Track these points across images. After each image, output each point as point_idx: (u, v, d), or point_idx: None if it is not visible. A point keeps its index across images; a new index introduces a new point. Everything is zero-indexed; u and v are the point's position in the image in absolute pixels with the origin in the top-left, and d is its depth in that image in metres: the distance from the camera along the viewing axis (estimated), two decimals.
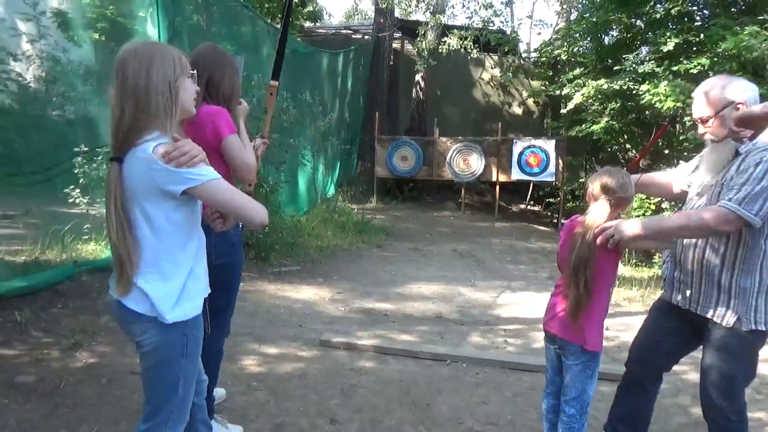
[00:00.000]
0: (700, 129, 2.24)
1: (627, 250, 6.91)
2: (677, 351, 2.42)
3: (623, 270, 6.63)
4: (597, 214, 2.18)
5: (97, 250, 4.40)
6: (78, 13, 4.69)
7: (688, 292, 2.27)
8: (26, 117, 4.68)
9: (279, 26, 3.05)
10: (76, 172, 4.04)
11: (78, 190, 4.05)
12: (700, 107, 2.21)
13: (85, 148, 4.09)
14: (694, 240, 2.22)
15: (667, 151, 7.77)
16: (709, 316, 2.20)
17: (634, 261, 6.87)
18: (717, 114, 2.15)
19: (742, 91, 2.15)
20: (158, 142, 1.60)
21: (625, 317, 4.88)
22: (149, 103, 1.62)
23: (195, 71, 1.79)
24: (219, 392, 2.91)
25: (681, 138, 7.39)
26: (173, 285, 1.70)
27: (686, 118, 6.54)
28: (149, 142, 1.60)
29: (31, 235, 4.25)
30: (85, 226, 4.25)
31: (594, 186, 2.24)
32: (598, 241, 2.12)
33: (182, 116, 1.75)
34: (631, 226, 2.13)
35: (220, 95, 2.44)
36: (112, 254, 1.68)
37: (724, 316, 2.15)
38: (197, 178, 1.60)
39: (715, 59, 6.70)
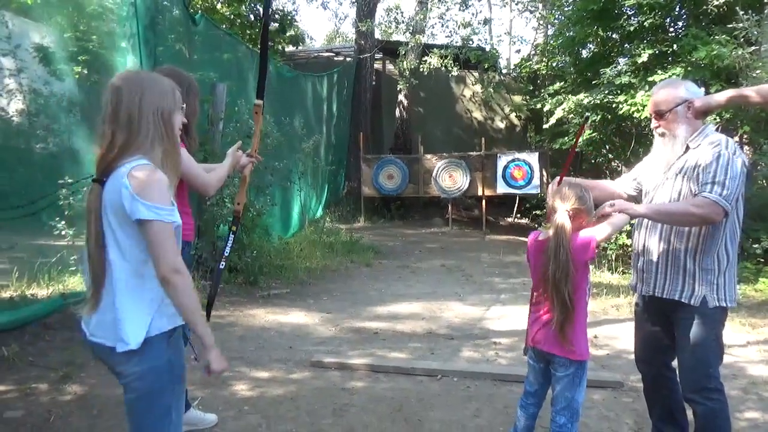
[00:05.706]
0: (654, 123, 2.50)
1: (613, 258, 7.03)
2: (669, 340, 2.50)
3: (610, 278, 6.69)
4: (563, 222, 2.20)
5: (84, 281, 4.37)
6: (59, 46, 4.73)
7: (651, 281, 2.45)
8: (10, 151, 4.68)
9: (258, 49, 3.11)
10: (61, 204, 4.04)
11: (63, 222, 4.04)
12: (658, 103, 2.45)
13: (70, 180, 4.10)
14: (657, 232, 2.43)
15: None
16: (676, 298, 2.37)
17: (621, 269, 6.93)
18: (672, 110, 2.40)
19: (693, 92, 2.43)
20: (138, 164, 1.64)
21: (614, 324, 4.92)
22: (139, 129, 1.66)
23: (185, 105, 1.83)
24: (210, 417, 2.91)
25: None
26: (143, 309, 1.66)
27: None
28: (130, 163, 1.64)
29: (17, 269, 4.24)
30: (72, 258, 4.23)
31: (553, 200, 2.28)
32: (608, 210, 2.27)
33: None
34: (636, 207, 2.33)
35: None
36: (90, 276, 1.67)
37: (691, 297, 2.34)
38: (148, 213, 1.59)
39: (689, 68, 6.87)
